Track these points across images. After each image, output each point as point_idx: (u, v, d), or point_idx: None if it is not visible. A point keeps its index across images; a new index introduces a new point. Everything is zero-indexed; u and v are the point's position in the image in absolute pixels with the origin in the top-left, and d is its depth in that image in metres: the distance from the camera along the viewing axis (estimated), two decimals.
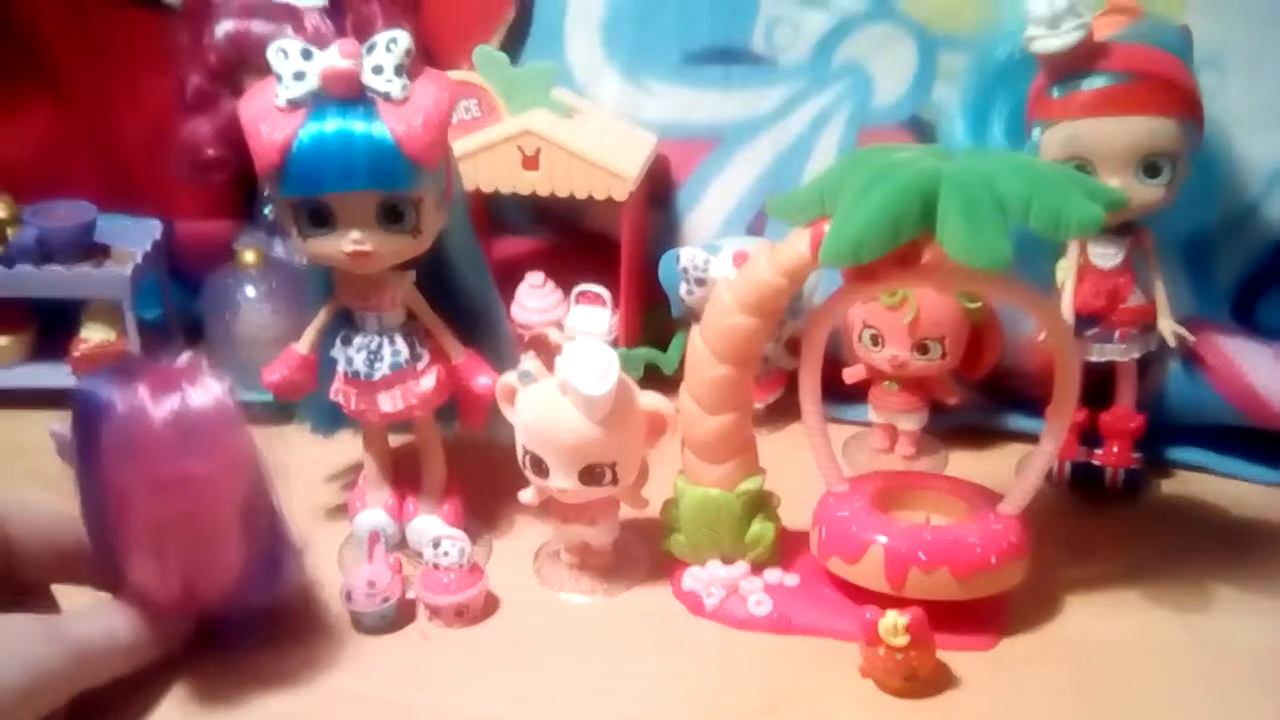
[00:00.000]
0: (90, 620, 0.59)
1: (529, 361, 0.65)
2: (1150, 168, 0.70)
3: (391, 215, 0.63)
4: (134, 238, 0.90)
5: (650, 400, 0.65)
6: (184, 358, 0.60)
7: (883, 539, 0.65)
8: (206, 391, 0.58)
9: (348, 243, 0.63)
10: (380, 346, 0.67)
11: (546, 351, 0.64)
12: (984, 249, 0.56)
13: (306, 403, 0.76)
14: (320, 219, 0.63)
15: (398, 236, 0.64)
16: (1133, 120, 0.70)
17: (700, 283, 0.78)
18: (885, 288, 0.70)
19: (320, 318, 0.69)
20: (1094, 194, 0.58)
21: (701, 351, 0.66)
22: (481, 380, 0.69)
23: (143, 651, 0.60)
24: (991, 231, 0.56)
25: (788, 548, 0.71)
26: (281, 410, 0.78)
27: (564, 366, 0.62)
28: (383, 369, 0.67)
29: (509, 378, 0.66)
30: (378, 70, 0.62)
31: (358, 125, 0.61)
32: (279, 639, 0.65)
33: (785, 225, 0.64)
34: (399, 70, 0.62)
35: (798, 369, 0.68)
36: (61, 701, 0.57)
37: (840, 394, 0.82)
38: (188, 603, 0.61)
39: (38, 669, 0.54)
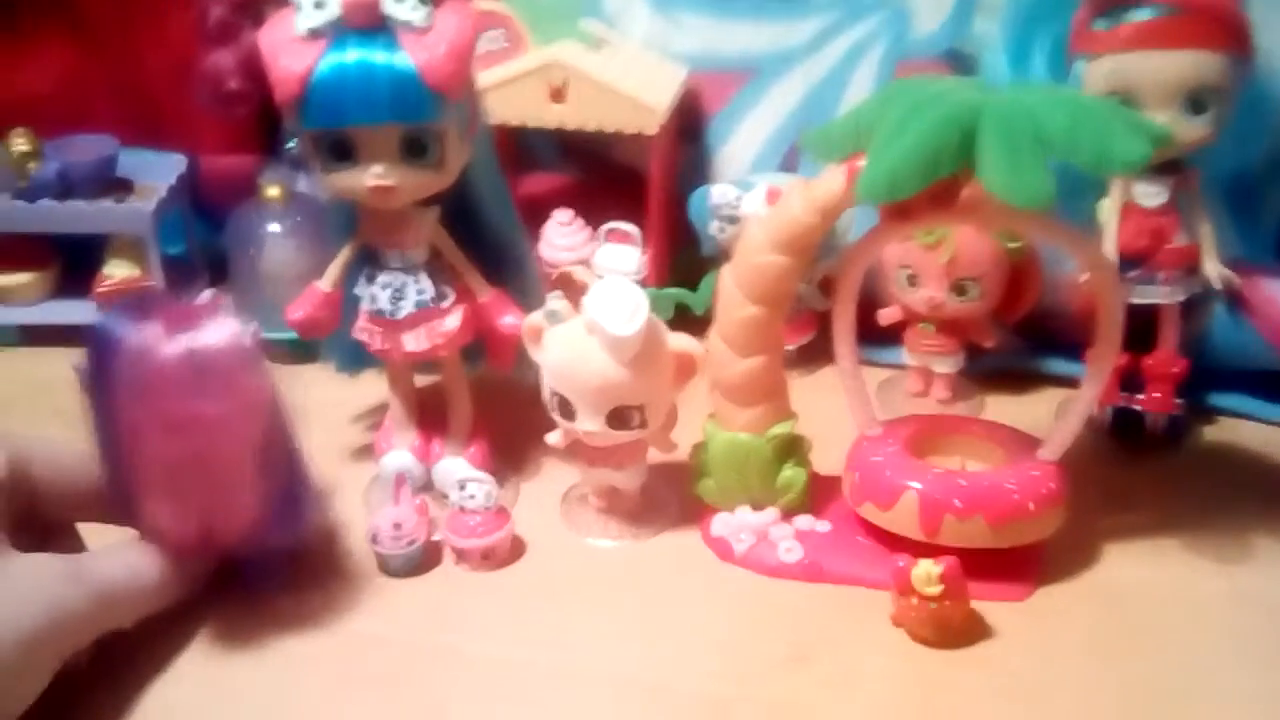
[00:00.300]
0: (113, 559, 0.58)
1: (555, 300, 0.63)
2: (1196, 103, 0.68)
3: (414, 148, 0.61)
4: (157, 172, 0.89)
5: (679, 341, 0.64)
6: (205, 295, 0.59)
7: (917, 485, 0.63)
8: (222, 331, 0.56)
9: (370, 177, 0.62)
10: (405, 284, 0.66)
11: (573, 290, 0.63)
12: (1025, 186, 0.54)
13: (330, 341, 0.75)
14: (342, 152, 0.61)
15: (421, 170, 0.62)
16: (1178, 54, 0.67)
17: (732, 220, 0.77)
18: (922, 226, 0.68)
19: (344, 255, 0.67)
20: (1140, 129, 0.56)
21: (732, 291, 0.64)
22: (508, 319, 0.68)
23: (166, 591, 0.60)
24: (1033, 168, 0.54)
25: (820, 494, 0.69)
26: (305, 349, 0.78)
27: (591, 306, 0.61)
28: (407, 307, 0.66)
29: (535, 317, 0.65)
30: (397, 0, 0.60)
31: (379, 55, 0.59)
32: (302, 581, 0.65)
33: (820, 161, 0.62)
34: None
35: (830, 310, 0.66)
36: (85, 643, 0.56)
37: (874, 336, 0.80)
38: (204, 544, 0.60)
39: (60, 609, 0.54)
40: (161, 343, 0.55)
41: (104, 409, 0.57)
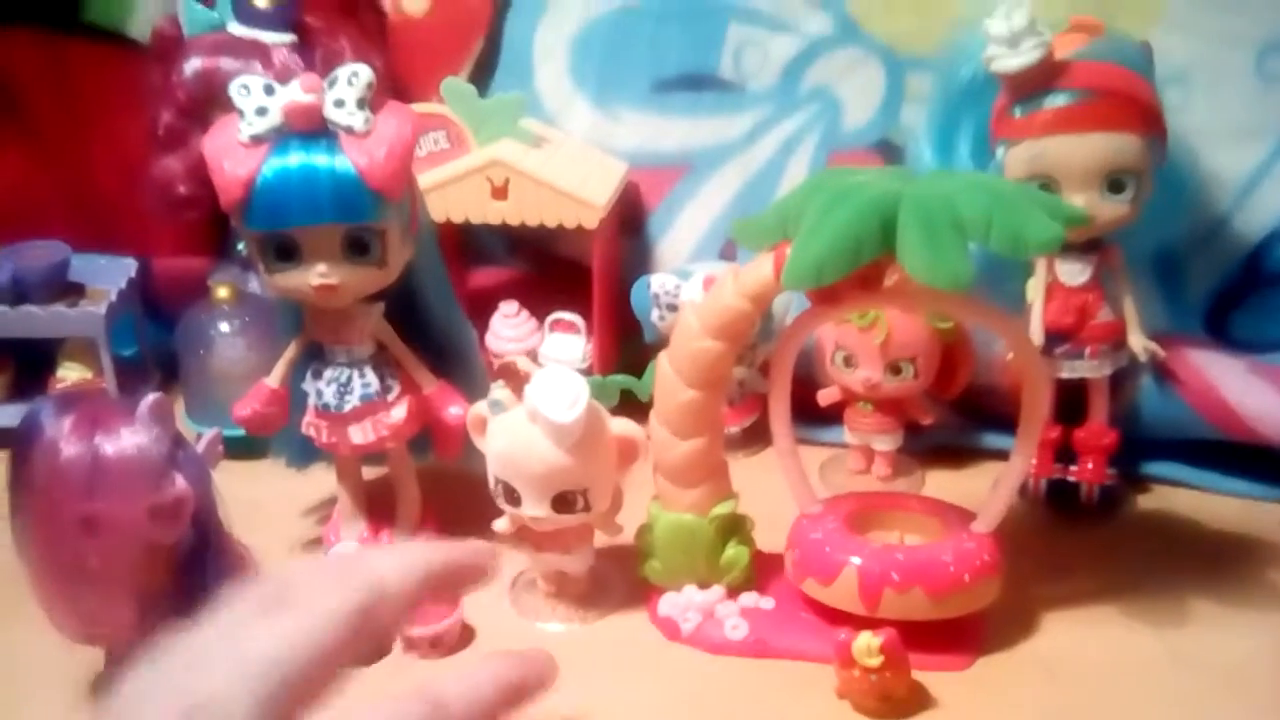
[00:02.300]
0: None
1: (499, 390, 0.65)
2: (1114, 184, 0.71)
3: (357, 247, 0.63)
4: (109, 276, 0.90)
5: (620, 426, 0.66)
6: (150, 397, 0.60)
7: (856, 560, 0.65)
8: (131, 437, 0.58)
9: (314, 276, 0.63)
10: (350, 379, 0.68)
11: (516, 380, 0.64)
12: (943, 269, 0.56)
13: (280, 437, 0.76)
14: (286, 252, 0.63)
15: (364, 268, 0.64)
16: (1095, 137, 0.70)
17: (672, 308, 0.79)
18: (849, 309, 0.70)
19: (290, 351, 0.69)
20: (1054, 212, 0.59)
21: (670, 376, 0.66)
22: (453, 410, 0.69)
23: None
24: (951, 251, 0.57)
25: (764, 571, 0.71)
26: (255, 446, 0.79)
27: (533, 395, 0.63)
28: (353, 401, 0.67)
29: (479, 407, 0.66)
30: (339, 104, 0.62)
31: (320, 159, 0.62)
32: None
33: (750, 250, 0.64)
34: (361, 103, 0.62)
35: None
36: None
37: (816, 416, 0.82)
38: (88, 639, 0.61)
39: None
40: (64, 439, 0.57)
41: (14, 492, 0.58)
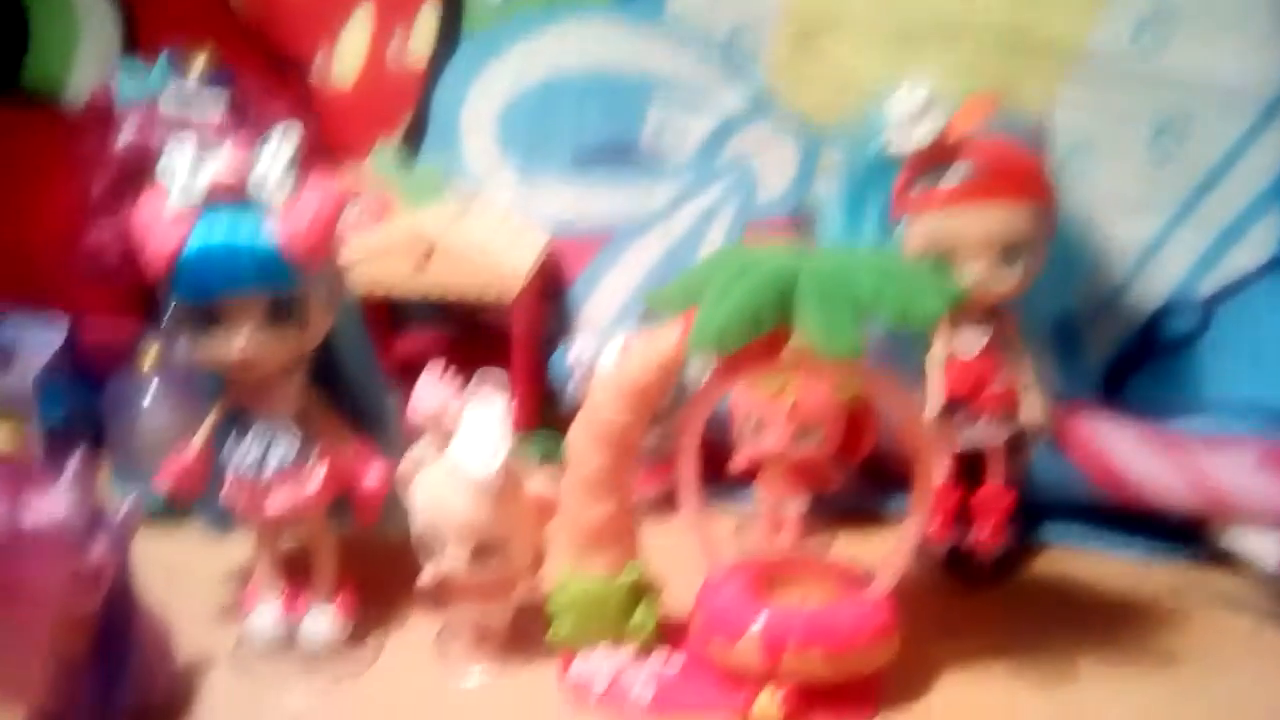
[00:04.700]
0: None
1: (422, 445, 0.67)
2: (1008, 254, 0.74)
3: (279, 314, 0.66)
4: (38, 341, 0.91)
5: (538, 484, 0.68)
6: (72, 466, 0.62)
7: (758, 621, 0.67)
8: (52, 505, 0.59)
9: (234, 348, 0.66)
10: (270, 445, 0.69)
11: (440, 434, 0.67)
12: (837, 339, 0.60)
13: (201, 502, 0.77)
14: (209, 320, 0.65)
15: (285, 335, 0.66)
16: (987, 211, 0.73)
17: (588, 376, 0.81)
18: (753, 376, 0.73)
19: (211, 417, 0.71)
20: (938, 288, 0.62)
21: (580, 444, 0.68)
22: (372, 474, 0.71)
23: None
24: (844, 323, 0.60)
25: (673, 632, 0.73)
26: (177, 511, 0.80)
27: (454, 448, 0.65)
28: (272, 468, 0.69)
29: (406, 460, 0.69)
30: (263, 177, 0.64)
31: (243, 233, 0.64)
32: None
33: (660, 317, 0.67)
34: (287, 171, 0.65)
35: None
36: None
37: (729, 480, 0.84)
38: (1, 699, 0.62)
39: None
40: None
41: None
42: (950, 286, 0.64)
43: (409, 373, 0.82)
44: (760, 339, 0.62)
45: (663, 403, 0.82)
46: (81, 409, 0.94)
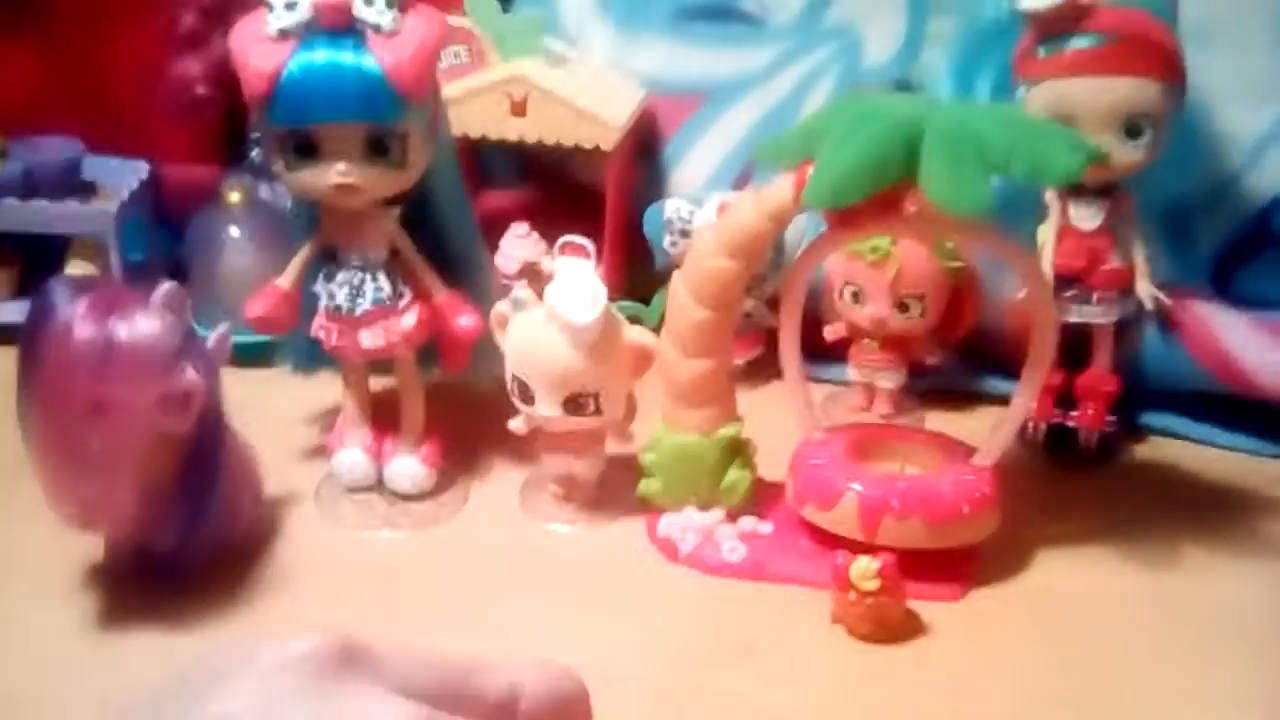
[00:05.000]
0: None
1: (521, 290, 0.66)
2: (1131, 128, 0.71)
3: (378, 148, 0.63)
4: (120, 177, 0.90)
5: (635, 334, 0.66)
6: (165, 285, 0.61)
7: (857, 486, 0.66)
8: (146, 324, 0.58)
9: (333, 175, 0.63)
10: (363, 282, 0.67)
11: (538, 280, 0.65)
12: (964, 195, 0.57)
13: (287, 341, 0.76)
14: (306, 150, 0.63)
15: (383, 170, 0.64)
16: (1115, 80, 0.70)
17: (684, 235, 0.79)
18: (866, 234, 0.70)
19: (304, 253, 0.69)
20: (1076, 145, 0.59)
21: (682, 295, 0.66)
22: (463, 320, 0.69)
23: None
24: (973, 178, 0.57)
25: (763, 497, 0.71)
26: (262, 351, 0.79)
27: (553, 294, 0.63)
28: (364, 305, 0.67)
29: (502, 305, 0.67)
30: (369, 2, 0.62)
31: (347, 56, 0.61)
32: (246, 575, 0.66)
33: (771, 168, 0.64)
34: (390, 3, 0.62)
35: (778, 327, 0.68)
36: None
37: (820, 353, 0.82)
38: (86, 526, 0.61)
39: None
40: (80, 322, 0.56)
41: (24, 378, 0.58)
42: (1087, 145, 0.60)
43: (490, 232, 0.81)
44: (878, 194, 0.59)
45: (764, 262, 0.80)
46: (164, 251, 0.93)
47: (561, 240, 0.79)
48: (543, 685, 0.44)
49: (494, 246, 0.83)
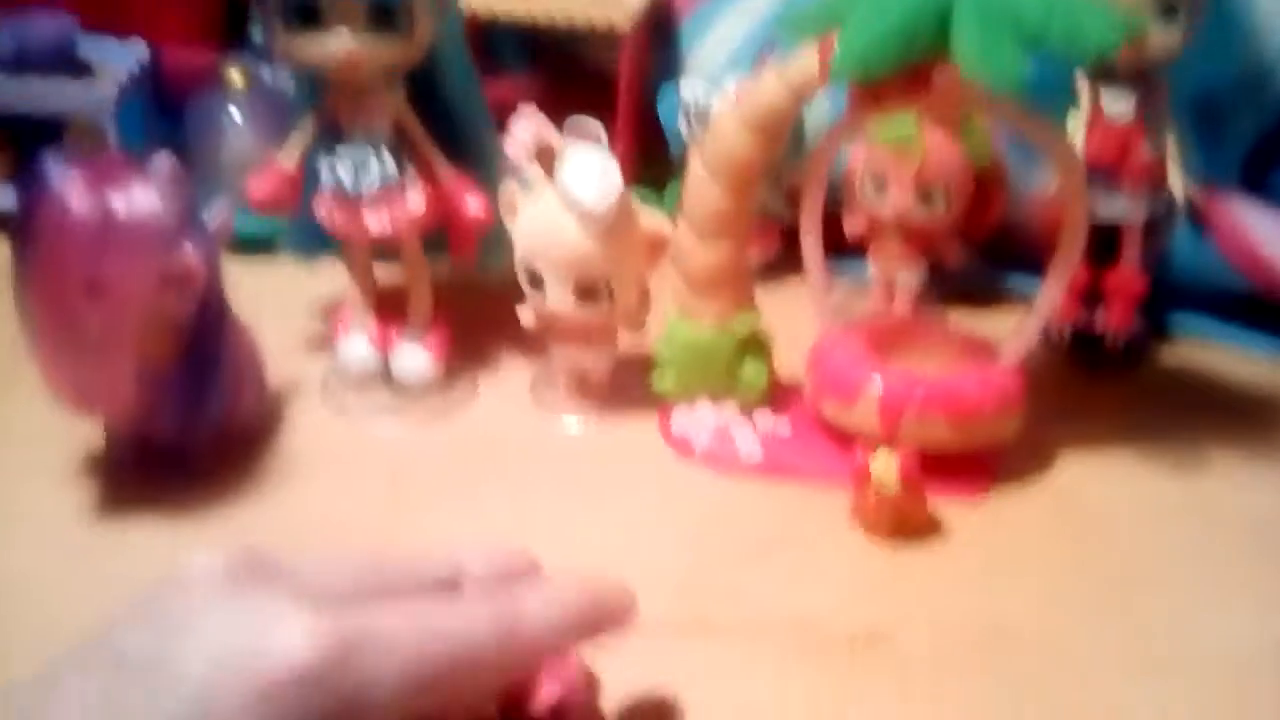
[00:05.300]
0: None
1: (533, 171, 0.63)
2: (1167, 8, 0.67)
3: (382, 18, 0.60)
4: (118, 59, 0.86)
5: (650, 219, 0.64)
6: (161, 162, 0.58)
7: (878, 382, 0.63)
8: (145, 196, 0.55)
9: (337, 45, 0.61)
10: (368, 160, 0.64)
11: (549, 162, 0.62)
12: (997, 67, 0.54)
13: (289, 228, 0.73)
14: (308, 17, 0.60)
15: (388, 41, 0.61)
16: None
17: (701, 119, 0.76)
18: (893, 109, 0.67)
19: (306, 130, 0.66)
20: (1113, 20, 0.56)
21: (700, 175, 0.63)
22: (471, 203, 0.67)
23: None
24: (1006, 49, 0.54)
25: (782, 396, 0.69)
26: (264, 241, 0.77)
27: (565, 176, 0.61)
28: (369, 184, 0.65)
29: (512, 187, 0.64)
30: None
31: None
32: (251, 465, 0.64)
33: (795, 41, 0.61)
34: None
35: (796, 223, 0.66)
36: None
37: (841, 250, 0.80)
38: (82, 408, 0.59)
39: None
40: (76, 196, 0.54)
41: (18, 256, 0.56)
42: (1127, 19, 0.57)
43: (501, 119, 0.78)
44: (907, 68, 0.56)
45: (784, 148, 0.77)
46: (163, 135, 0.90)
47: (570, 122, 0.76)
48: (487, 560, 0.44)
49: (504, 134, 0.80)
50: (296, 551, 0.40)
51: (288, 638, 0.35)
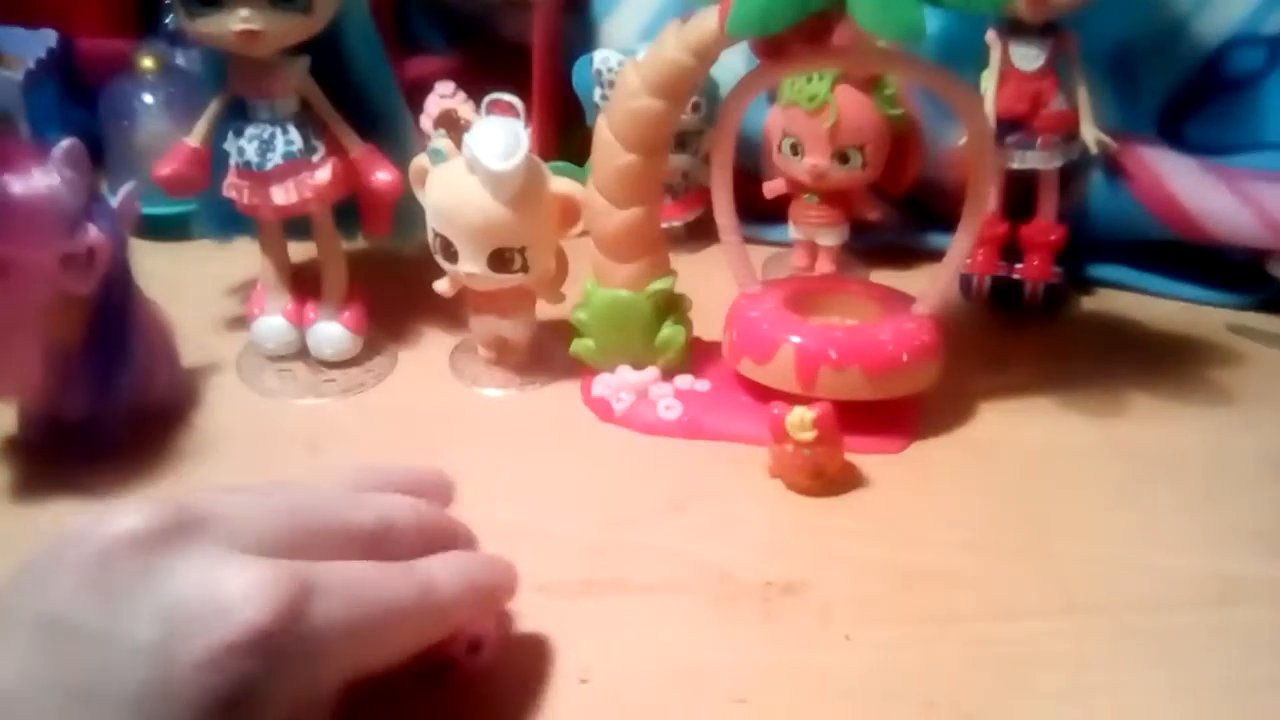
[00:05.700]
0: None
1: (439, 140, 0.63)
2: None
3: None
4: (26, 46, 0.86)
5: (561, 184, 0.63)
6: (65, 142, 0.57)
7: (794, 338, 0.63)
8: (44, 178, 0.55)
9: (236, 21, 0.60)
10: (273, 136, 0.64)
11: (456, 129, 0.62)
12: (895, 20, 0.54)
13: (201, 210, 0.73)
14: None
15: (288, 15, 0.61)
16: None
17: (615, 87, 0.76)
18: (796, 68, 0.67)
19: (212, 108, 0.66)
20: None
21: (608, 140, 0.63)
22: (380, 175, 0.66)
23: None
24: (903, 2, 0.54)
25: (700, 357, 0.69)
26: (176, 225, 0.76)
27: (472, 142, 0.60)
28: (275, 159, 0.64)
29: (420, 158, 0.64)
30: None
31: None
32: (165, 445, 0.64)
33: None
34: None
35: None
36: None
37: (760, 213, 0.80)
38: None
39: None
40: None
41: None
42: None
43: (418, 98, 0.77)
44: (807, 22, 0.56)
45: (699, 114, 0.78)
46: (77, 122, 0.89)
47: (488, 98, 0.76)
48: (413, 515, 0.44)
49: (419, 114, 0.80)
50: (214, 497, 0.40)
51: (242, 595, 0.35)
